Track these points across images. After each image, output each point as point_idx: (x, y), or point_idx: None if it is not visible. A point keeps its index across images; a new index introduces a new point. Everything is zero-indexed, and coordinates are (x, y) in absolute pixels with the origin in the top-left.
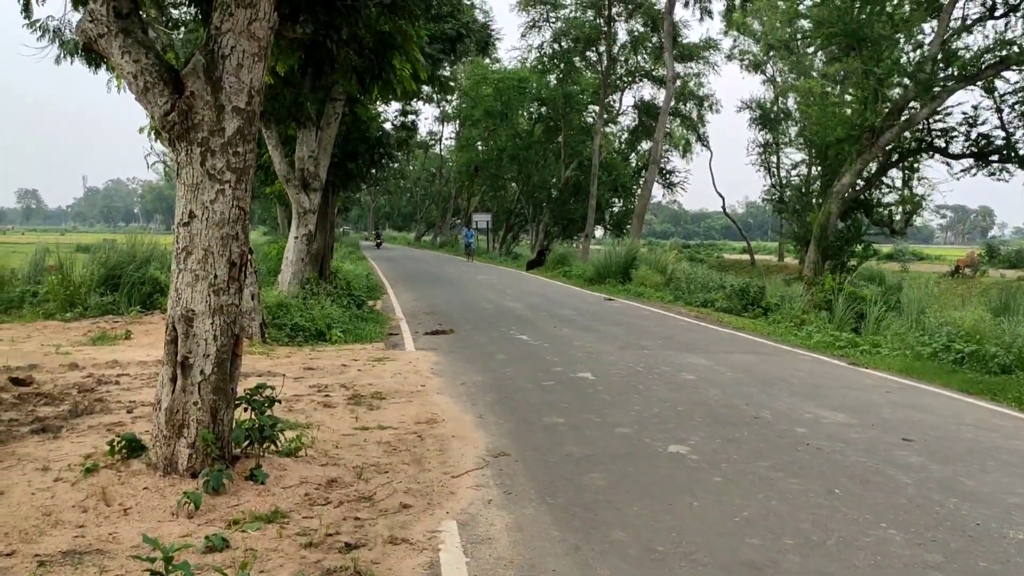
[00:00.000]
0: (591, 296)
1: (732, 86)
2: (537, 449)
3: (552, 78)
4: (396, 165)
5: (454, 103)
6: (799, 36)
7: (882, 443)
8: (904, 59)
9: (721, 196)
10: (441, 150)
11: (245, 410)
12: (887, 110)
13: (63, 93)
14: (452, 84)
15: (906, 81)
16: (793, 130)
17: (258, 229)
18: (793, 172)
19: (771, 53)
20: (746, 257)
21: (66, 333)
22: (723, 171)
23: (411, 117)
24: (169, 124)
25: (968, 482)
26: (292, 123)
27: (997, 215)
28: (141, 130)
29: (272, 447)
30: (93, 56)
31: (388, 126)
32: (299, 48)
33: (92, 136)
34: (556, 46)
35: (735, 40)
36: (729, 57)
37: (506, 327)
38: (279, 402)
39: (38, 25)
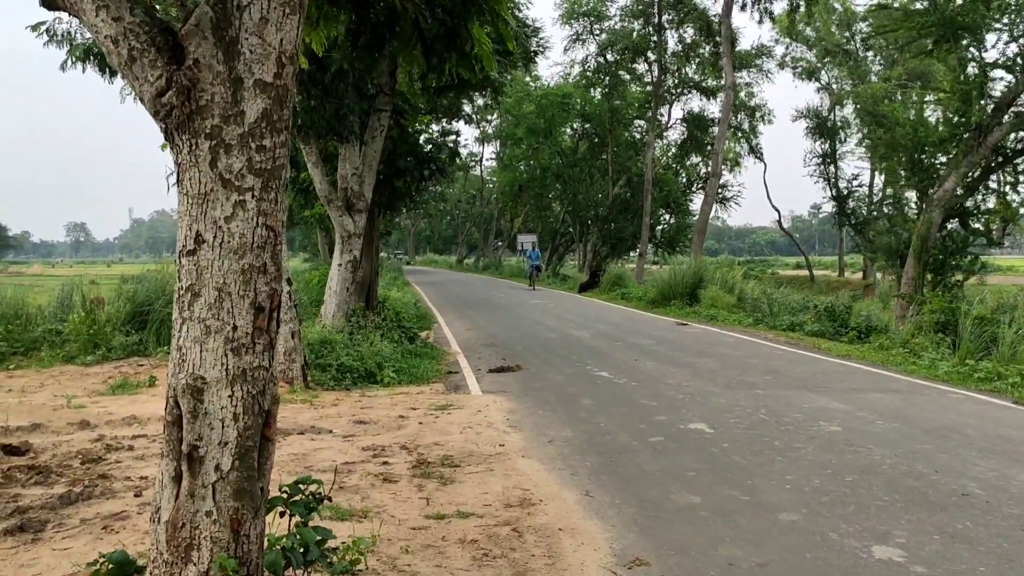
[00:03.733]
0: (661, 321)
1: (783, 95)
2: (683, 552)
3: (597, 92)
4: (446, 183)
5: (494, 122)
6: (859, 38)
7: None
8: (1006, 51)
9: (777, 210)
10: (481, 171)
11: (281, 515)
12: (993, 107)
13: (105, 129)
14: (507, 87)
15: (1003, 74)
16: (853, 139)
17: (298, 256)
18: (855, 182)
19: (826, 59)
20: (801, 272)
21: (84, 380)
22: (771, 185)
23: (452, 137)
24: (165, 108)
25: None
26: (333, 138)
27: None
28: (164, 147)
29: (320, 570)
30: (105, 63)
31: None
32: (348, 5)
33: (138, 169)
34: (601, 59)
35: (787, 47)
36: (781, 65)
37: (579, 361)
38: (328, 499)
39: (45, 28)
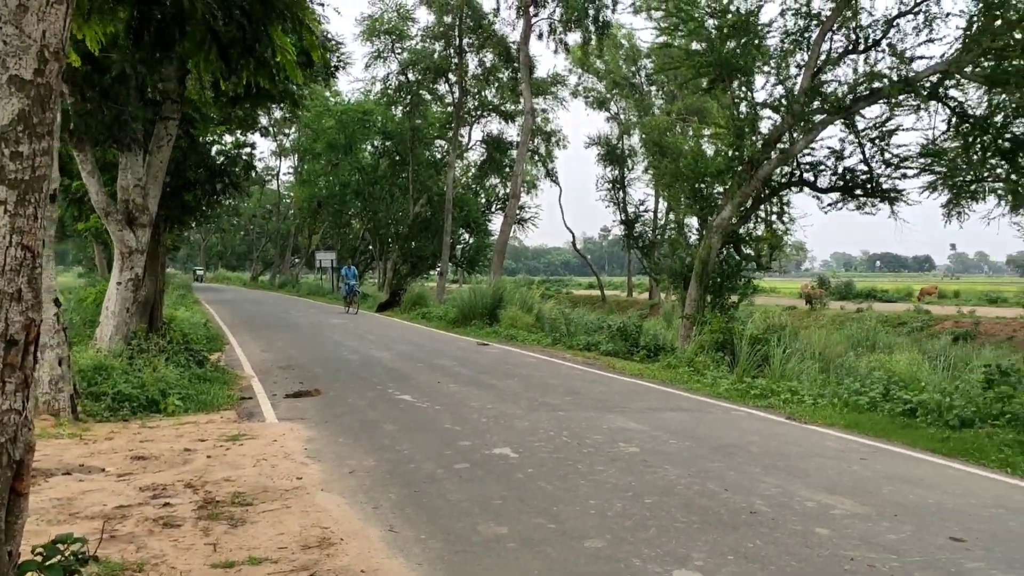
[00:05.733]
0: (462, 341)
1: (577, 122)
2: None
3: (398, 111)
4: (240, 197)
5: (292, 136)
6: (644, 73)
7: (936, 550)
8: (773, 92)
9: (571, 232)
10: (279, 185)
11: None
12: (762, 143)
13: None
14: (306, 100)
15: (771, 114)
16: (640, 167)
17: (71, 271)
18: (642, 207)
19: (615, 91)
20: (593, 292)
21: None
22: (566, 208)
23: (247, 150)
24: None
25: None
26: (112, 146)
27: (808, 249)
28: None
29: None
30: None
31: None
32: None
33: None
34: (403, 77)
35: (580, 77)
36: (575, 94)
37: (381, 384)
38: (95, 559)
39: None
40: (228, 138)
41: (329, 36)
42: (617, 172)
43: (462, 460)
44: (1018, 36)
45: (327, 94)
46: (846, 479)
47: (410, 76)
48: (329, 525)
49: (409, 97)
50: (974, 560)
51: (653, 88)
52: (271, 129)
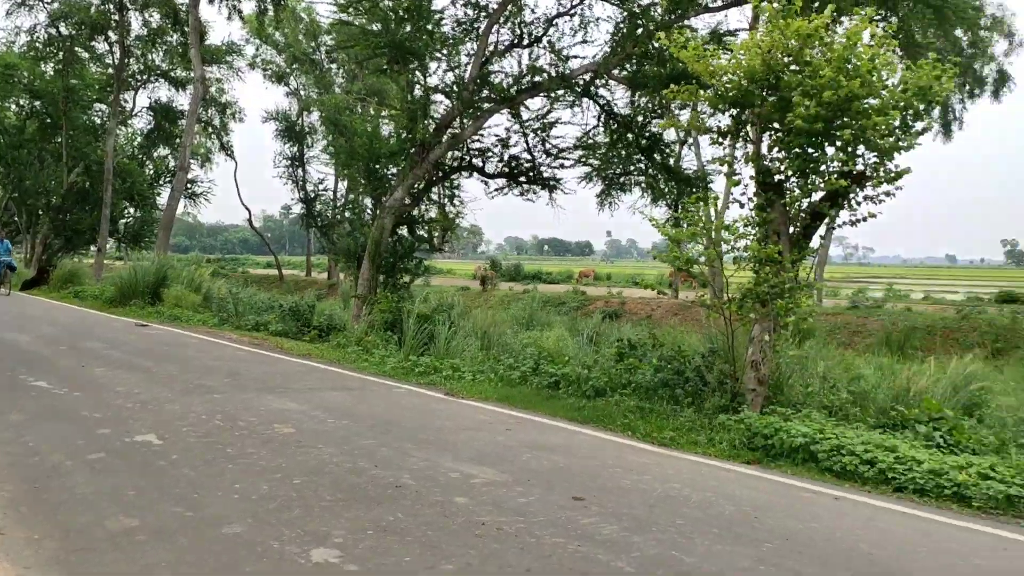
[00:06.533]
0: (119, 322)
1: (255, 95)
2: None
3: (49, 68)
4: None
5: None
6: (324, 49)
7: (559, 509)
8: (444, 79)
9: (248, 209)
10: None
11: None
12: (434, 127)
13: None
14: None
15: (443, 99)
16: (320, 145)
17: None
18: (321, 186)
19: (295, 65)
20: (272, 272)
21: None
22: (244, 184)
23: None
24: None
25: (688, 559)
26: None
27: (484, 232)
28: None
29: None
30: None
31: None
32: None
33: None
34: (53, 31)
35: (258, 48)
36: (252, 65)
37: (11, 370)
38: None
39: None
40: None
41: None
42: (297, 149)
43: (97, 450)
44: (656, 45)
45: None
46: (491, 449)
47: (62, 29)
48: None
49: (62, 53)
50: (589, 516)
51: (334, 66)
52: None
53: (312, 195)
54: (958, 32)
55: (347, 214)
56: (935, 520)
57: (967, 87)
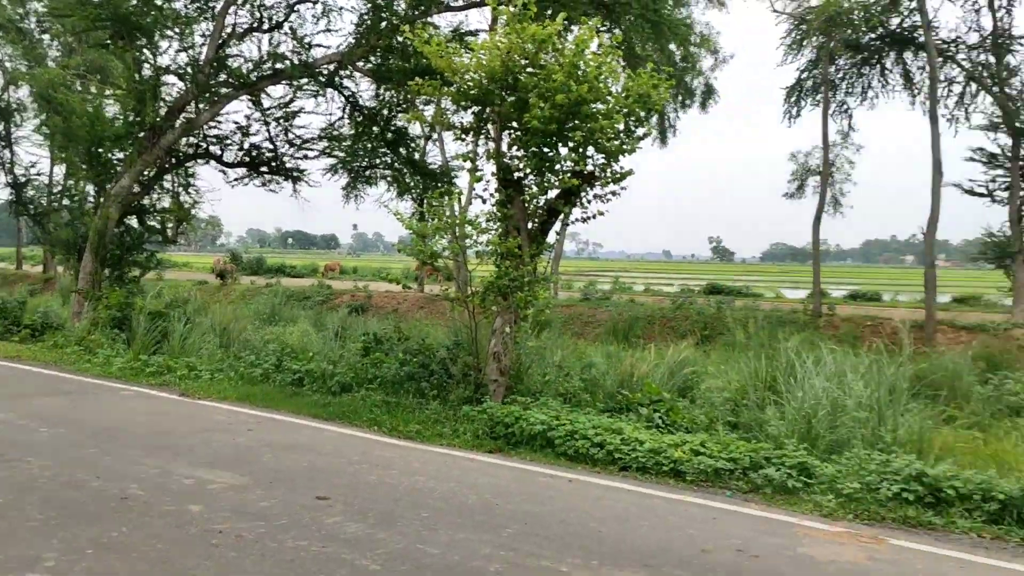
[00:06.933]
0: None
1: None
2: None
3: None
4: None
5: None
6: (34, 18)
7: (302, 510)
8: (177, 59)
9: None
10: None
11: None
12: (166, 110)
13: None
14: None
15: (176, 81)
16: (31, 124)
17: None
18: (33, 170)
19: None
20: None
21: None
22: None
23: None
24: None
25: (432, 550)
26: None
27: (224, 224)
28: None
29: None
30: None
31: None
32: None
33: None
34: None
35: None
36: None
37: None
38: None
39: None
40: None
41: None
42: (3, 128)
43: None
44: (400, 39)
45: None
46: (229, 452)
47: None
48: None
49: None
50: (333, 515)
51: (47, 37)
52: None
53: (23, 179)
54: (672, 46)
55: (65, 201)
56: (656, 495)
57: (680, 97)
